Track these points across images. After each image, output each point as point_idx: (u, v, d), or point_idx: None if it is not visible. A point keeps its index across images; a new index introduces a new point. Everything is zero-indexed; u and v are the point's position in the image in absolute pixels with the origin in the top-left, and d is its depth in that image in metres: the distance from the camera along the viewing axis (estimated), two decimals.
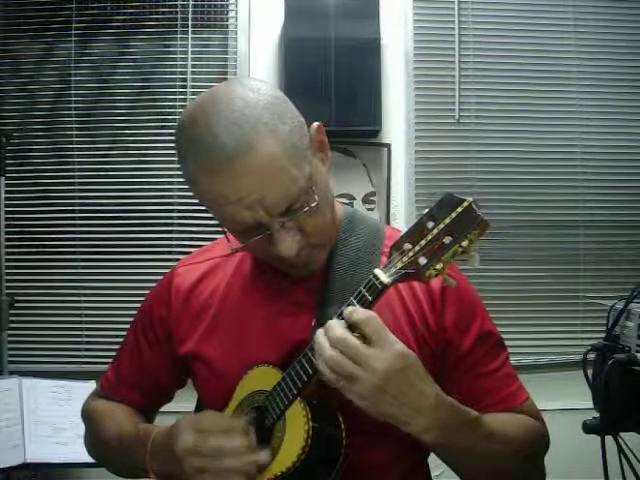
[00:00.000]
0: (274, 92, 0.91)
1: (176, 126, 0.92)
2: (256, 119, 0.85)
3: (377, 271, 0.82)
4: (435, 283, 1.01)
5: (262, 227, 0.89)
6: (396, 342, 0.80)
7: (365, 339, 0.80)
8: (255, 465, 0.88)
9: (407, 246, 0.80)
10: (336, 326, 0.81)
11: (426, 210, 0.79)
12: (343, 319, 0.82)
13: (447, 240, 0.77)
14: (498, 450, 0.93)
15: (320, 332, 0.82)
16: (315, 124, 0.95)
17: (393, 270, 0.81)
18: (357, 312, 0.80)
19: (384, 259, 0.85)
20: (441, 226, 0.77)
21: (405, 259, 0.79)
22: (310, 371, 0.87)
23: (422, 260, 0.78)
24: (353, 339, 0.79)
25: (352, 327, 0.81)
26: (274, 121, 0.86)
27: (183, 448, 0.89)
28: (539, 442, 1.03)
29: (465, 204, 0.76)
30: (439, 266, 0.78)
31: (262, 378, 0.95)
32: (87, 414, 1.18)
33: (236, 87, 0.90)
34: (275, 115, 0.87)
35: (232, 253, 1.10)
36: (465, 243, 0.76)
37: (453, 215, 0.76)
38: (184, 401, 1.23)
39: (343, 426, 0.90)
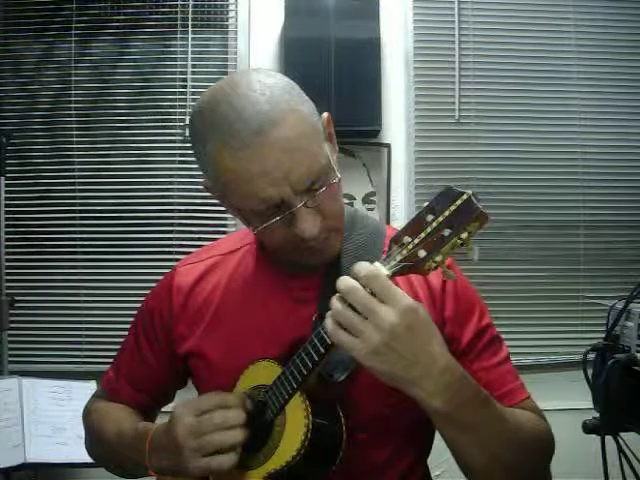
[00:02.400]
0: (287, 78, 0.94)
1: (192, 112, 0.93)
2: (277, 98, 0.87)
3: (376, 264, 0.81)
4: (434, 279, 1.01)
5: (285, 206, 0.89)
6: (405, 296, 0.78)
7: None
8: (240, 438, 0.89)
9: (406, 239, 0.79)
10: (347, 278, 0.79)
11: (426, 203, 0.79)
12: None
13: (446, 232, 0.76)
14: (507, 435, 0.88)
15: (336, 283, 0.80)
16: (325, 114, 0.97)
17: (392, 263, 0.80)
18: (364, 269, 0.78)
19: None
20: (440, 219, 0.77)
21: (404, 252, 0.79)
22: (310, 365, 0.87)
23: (421, 253, 0.78)
24: (362, 291, 0.77)
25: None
26: (294, 101, 0.89)
27: (184, 431, 0.89)
28: (544, 439, 1.00)
29: (464, 197, 0.76)
30: (438, 258, 0.77)
31: (262, 373, 0.96)
32: (88, 416, 1.18)
33: (252, 73, 0.92)
34: (294, 96, 0.90)
35: (233, 251, 1.11)
36: (464, 235, 0.76)
37: (452, 208, 0.76)
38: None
39: (343, 420, 0.90)
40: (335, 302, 0.79)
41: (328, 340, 0.83)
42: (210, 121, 0.89)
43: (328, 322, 0.80)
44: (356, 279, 0.79)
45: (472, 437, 0.85)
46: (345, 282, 0.79)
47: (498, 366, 1.02)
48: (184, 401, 0.95)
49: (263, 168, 0.86)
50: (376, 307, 0.77)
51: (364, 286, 0.78)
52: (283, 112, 0.86)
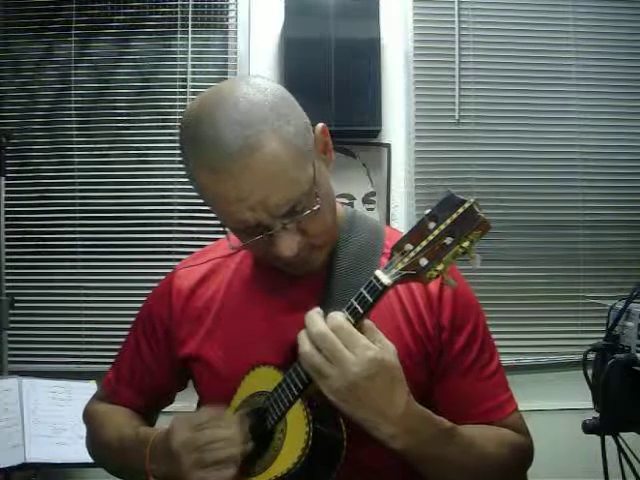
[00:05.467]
0: (281, 92, 0.91)
1: (180, 124, 0.92)
2: (261, 120, 0.85)
3: (378, 272, 0.81)
4: (433, 286, 1.00)
5: (263, 227, 0.89)
6: (370, 348, 0.80)
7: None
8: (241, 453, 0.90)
9: (408, 247, 0.79)
10: (318, 322, 0.81)
11: (427, 210, 0.79)
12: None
13: (448, 241, 0.76)
14: (473, 463, 0.92)
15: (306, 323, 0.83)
16: (320, 125, 0.95)
17: (394, 271, 0.80)
18: (331, 319, 0.81)
19: (384, 259, 0.85)
20: (442, 227, 0.77)
21: (406, 260, 0.79)
22: None
23: (423, 261, 0.78)
24: (331, 336, 0.80)
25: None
26: (279, 122, 0.86)
27: (179, 443, 0.90)
28: (520, 459, 1.02)
29: (466, 205, 0.76)
30: (440, 267, 0.77)
31: (263, 379, 0.95)
32: (88, 417, 1.18)
33: (242, 86, 0.89)
34: (281, 116, 0.87)
35: (233, 253, 1.10)
36: (466, 244, 0.75)
37: (454, 216, 0.76)
38: (185, 401, 1.23)
39: (344, 427, 0.90)
40: (305, 344, 0.82)
41: None
42: (193, 138, 0.88)
43: (301, 358, 0.83)
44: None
45: (436, 469, 0.91)
46: (316, 328, 0.81)
47: (488, 379, 1.02)
48: (182, 415, 0.95)
49: (239, 193, 0.85)
50: (342, 356, 0.79)
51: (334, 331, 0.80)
52: (265, 136, 0.84)
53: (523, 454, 1.03)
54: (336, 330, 0.80)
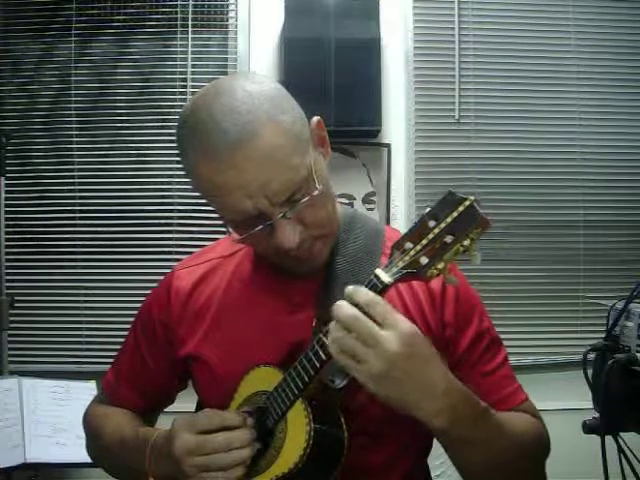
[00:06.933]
0: (275, 85, 0.93)
1: (178, 119, 0.93)
2: (258, 108, 0.86)
3: (378, 271, 0.81)
4: (435, 283, 1.01)
5: (263, 217, 0.89)
6: (405, 323, 0.79)
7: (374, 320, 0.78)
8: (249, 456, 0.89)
9: (408, 245, 0.79)
10: (346, 306, 0.79)
11: (427, 209, 0.79)
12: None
13: (448, 239, 0.76)
14: (504, 443, 0.91)
15: (333, 310, 0.80)
16: (315, 118, 0.96)
17: (394, 270, 0.80)
18: (362, 295, 0.78)
19: (384, 259, 0.85)
20: (442, 225, 0.77)
21: (406, 258, 0.79)
22: (311, 371, 0.86)
23: (423, 259, 0.78)
24: (363, 320, 0.77)
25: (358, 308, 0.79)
26: (276, 111, 0.87)
27: (182, 448, 0.90)
28: (541, 440, 1.02)
29: (467, 203, 0.76)
30: (440, 265, 0.77)
31: (263, 379, 0.95)
32: (88, 420, 1.18)
33: (238, 80, 0.92)
34: (277, 106, 0.88)
35: (232, 254, 1.10)
36: (467, 242, 0.75)
37: (454, 214, 0.76)
38: (185, 402, 1.23)
39: (345, 427, 0.89)
40: (336, 329, 0.79)
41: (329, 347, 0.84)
42: (191, 130, 0.88)
43: (332, 347, 0.80)
44: (351, 302, 0.79)
45: (472, 449, 0.89)
46: (345, 311, 0.78)
47: (495, 371, 1.03)
48: (184, 417, 0.94)
49: (239, 181, 0.86)
50: (378, 336, 0.77)
51: (363, 311, 0.78)
52: (262, 124, 0.85)
53: (544, 441, 1.03)
54: (371, 305, 0.78)
